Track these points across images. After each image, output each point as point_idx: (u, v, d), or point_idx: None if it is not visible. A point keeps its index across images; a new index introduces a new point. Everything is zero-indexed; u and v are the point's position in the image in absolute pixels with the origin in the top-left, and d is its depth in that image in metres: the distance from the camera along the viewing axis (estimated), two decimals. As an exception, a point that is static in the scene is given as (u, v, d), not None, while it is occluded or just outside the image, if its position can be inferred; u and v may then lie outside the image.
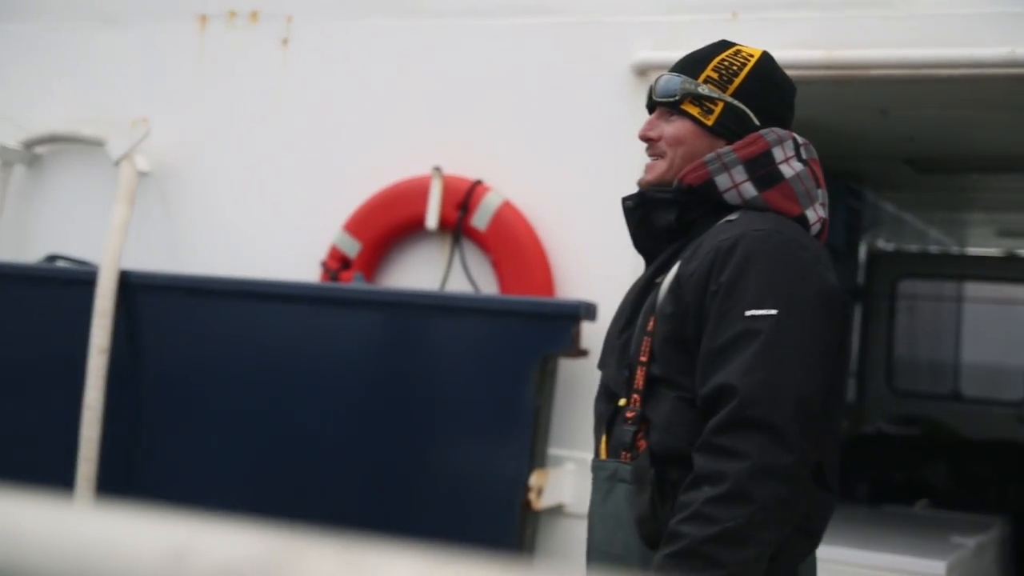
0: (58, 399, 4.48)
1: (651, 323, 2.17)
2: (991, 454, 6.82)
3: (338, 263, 4.51)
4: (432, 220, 4.38)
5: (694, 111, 2.27)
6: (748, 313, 2.04)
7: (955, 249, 10.44)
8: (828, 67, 3.89)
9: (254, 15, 4.81)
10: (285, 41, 4.76)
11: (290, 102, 4.74)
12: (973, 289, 8.20)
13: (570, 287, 4.26)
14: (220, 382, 4.35)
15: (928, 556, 4.13)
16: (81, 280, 4.49)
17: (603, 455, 2.24)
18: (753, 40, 4.13)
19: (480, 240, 4.36)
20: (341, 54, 4.68)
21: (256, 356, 4.32)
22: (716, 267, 2.09)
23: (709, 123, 2.26)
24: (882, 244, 8.12)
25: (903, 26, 3.89)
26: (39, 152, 5.16)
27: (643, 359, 2.16)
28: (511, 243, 4.28)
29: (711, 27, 4.12)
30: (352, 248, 4.49)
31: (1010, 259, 8.70)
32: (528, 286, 4.21)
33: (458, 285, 4.43)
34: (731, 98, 2.27)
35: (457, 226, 4.38)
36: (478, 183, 4.38)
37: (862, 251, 7.42)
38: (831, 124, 4.84)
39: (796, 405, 2.00)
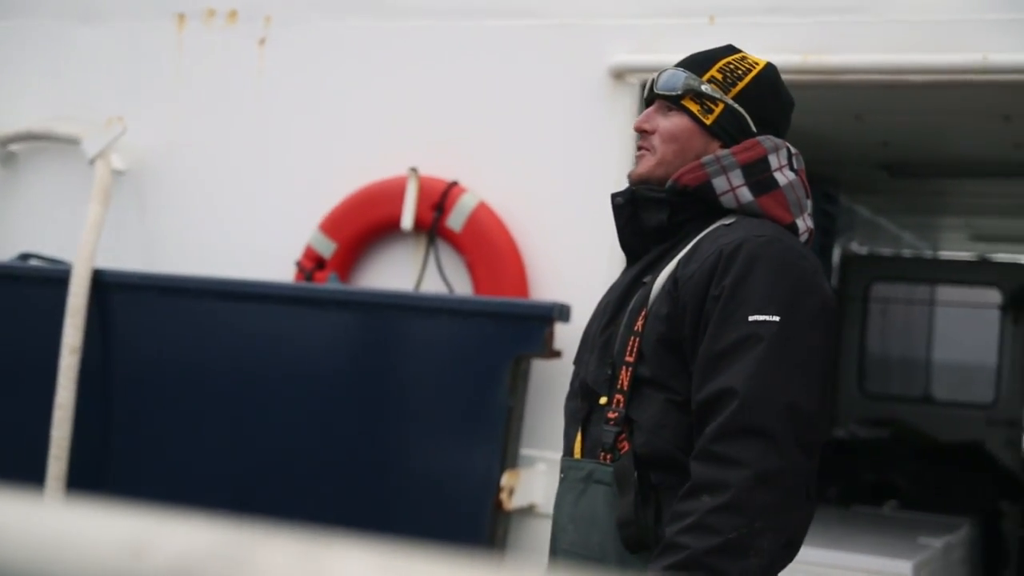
0: (30, 398, 4.46)
1: (638, 322, 2.14)
2: (959, 456, 6.88)
3: (313, 263, 4.51)
4: (407, 221, 4.39)
5: (694, 108, 2.25)
6: (752, 318, 2.02)
7: (928, 253, 10.53)
8: (803, 72, 3.92)
9: (232, 14, 4.80)
10: (263, 41, 4.76)
11: (267, 102, 4.74)
12: (945, 293, 8.27)
13: (544, 289, 4.27)
14: (193, 382, 4.35)
15: (895, 556, 4.17)
16: (54, 279, 4.48)
17: (577, 454, 2.20)
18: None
19: (455, 241, 4.38)
20: (318, 54, 4.68)
21: (230, 356, 4.32)
22: (719, 270, 2.07)
23: (708, 122, 2.25)
24: (856, 248, 8.18)
25: (877, 32, 3.93)
26: (13, 150, 5.13)
27: (629, 359, 2.13)
28: (486, 244, 4.29)
29: (688, 31, 4.15)
30: (327, 248, 4.49)
31: (981, 263, 8.78)
32: (502, 287, 4.22)
33: (433, 286, 4.44)
34: (732, 101, 2.26)
35: (432, 227, 4.39)
36: (454, 184, 4.39)
37: (836, 254, 7.47)
38: (806, 128, 4.87)
39: (794, 413, 1.99)
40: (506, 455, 3.97)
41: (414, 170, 4.40)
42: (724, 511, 1.94)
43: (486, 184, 4.38)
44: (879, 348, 8.05)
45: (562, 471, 2.25)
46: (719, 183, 2.19)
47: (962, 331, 8.04)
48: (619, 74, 4.20)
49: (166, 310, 4.40)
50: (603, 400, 2.16)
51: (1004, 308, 7.71)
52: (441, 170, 4.43)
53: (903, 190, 7.02)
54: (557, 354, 4.03)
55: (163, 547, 0.50)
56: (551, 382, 4.17)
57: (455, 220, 4.34)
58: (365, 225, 4.47)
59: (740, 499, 1.94)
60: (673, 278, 2.13)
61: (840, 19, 3.97)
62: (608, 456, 2.12)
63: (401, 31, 4.55)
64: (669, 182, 2.22)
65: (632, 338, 2.13)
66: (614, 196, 2.30)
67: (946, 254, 10.91)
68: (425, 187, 4.39)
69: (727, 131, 2.25)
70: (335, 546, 0.50)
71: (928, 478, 6.56)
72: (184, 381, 4.36)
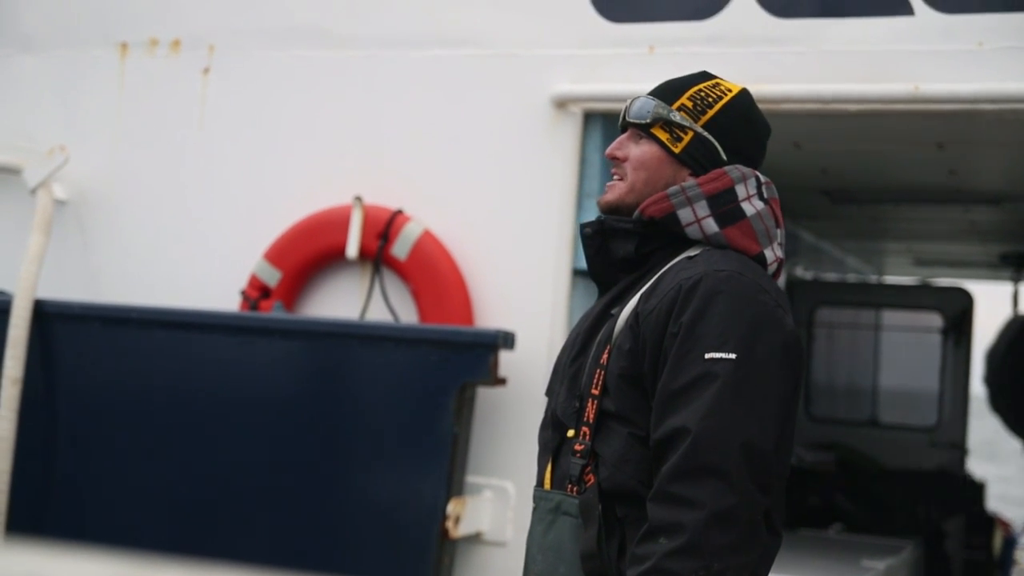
0: (-30, 430, 4.40)
1: (604, 355, 2.14)
2: (903, 480, 6.97)
3: (258, 292, 4.50)
4: (352, 249, 4.40)
5: (663, 136, 2.26)
6: (708, 356, 2.02)
7: (874, 278, 10.68)
8: (741, 101, 3.98)
9: (175, 44, 4.81)
10: (206, 70, 4.76)
11: (210, 131, 4.74)
12: (889, 317, 8.39)
13: (489, 316, 4.30)
14: (137, 412, 4.32)
15: (838, 579, 4.22)
16: (-5, 309, 4.43)
17: (547, 485, 2.21)
18: (667, 73, 4.24)
19: (400, 269, 4.39)
20: (262, 84, 4.69)
21: (174, 386, 4.29)
22: (677, 307, 2.07)
23: (676, 151, 2.25)
24: (800, 272, 8.29)
25: (813, 62, 4.00)
26: (-46, 179, 5.08)
27: (595, 392, 2.13)
28: (431, 273, 4.31)
29: (628, 61, 4.21)
30: (272, 277, 4.49)
31: (923, 288, 8.92)
32: (448, 315, 4.24)
33: (378, 314, 4.45)
34: (701, 129, 2.26)
35: (377, 255, 4.41)
36: (398, 213, 4.41)
37: (781, 280, 7.56)
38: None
39: (749, 452, 1.99)
40: (452, 483, 3.98)
41: (359, 199, 4.42)
42: (680, 554, 1.94)
43: (431, 212, 4.40)
44: (824, 372, 8.15)
45: (534, 501, 2.26)
46: (684, 214, 2.19)
47: (906, 355, 8.16)
48: (561, 103, 4.25)
49: (109, 340, 4.37)
50: (571, 432, 2.17)
51: (945, 332, 7.83)
52: (386, 199, 4.45)
53: (845, 216, 7.13)
54: (502, 381, 4.05)
55: (58, 580, 0.51)
56: (496, 410, 4.19)
57: (400, 248, 4.36)
58: (310, 254, 4.48)
59: (696, 541, 1.93)
60: (635, 313, 2.13)
61: (777, 49, 4.05)
62: (575, 488, 2.14)
63: (345, 61, 4.57)
64: (636, 213, 2.23)
65: (598, 371, 2.15)
66: (583, 226, 2.31)
67: (891, 279, 11.08)
68: (370, 216, 4.41)
69: (696, 160, 2.25)
70: (226, 576, 0.52)
71: (873, 502, 6.64)
72: (128, 412, 4.33)
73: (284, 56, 4.66)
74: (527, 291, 4.24)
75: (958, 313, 7.74)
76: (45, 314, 4.39)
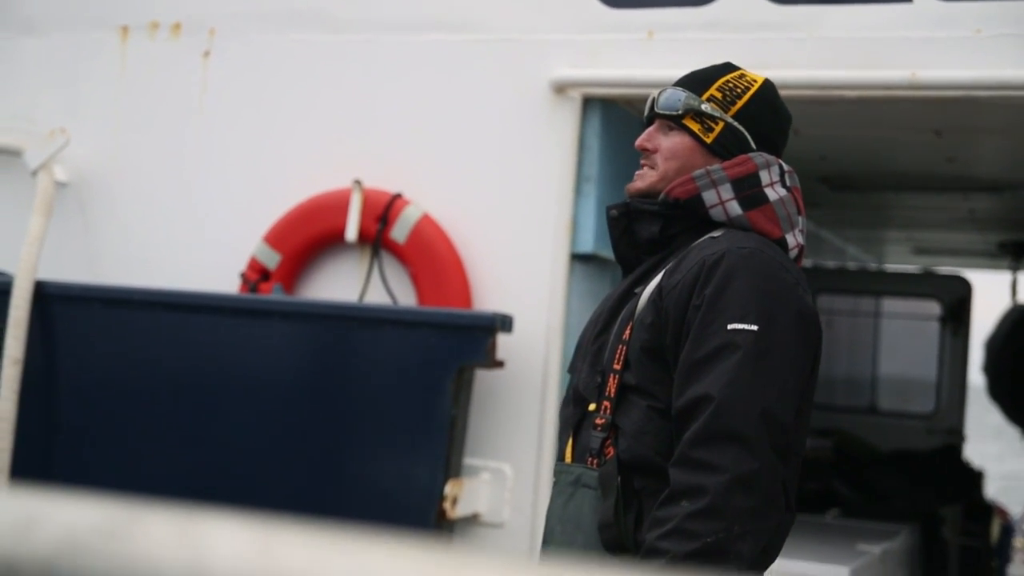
0: (-29, 410, 4.43)
1: (627, 331, 2.20)
2: (899, 465, 6.99)
3: (257, 274, 4.53)
4: (352, 232, 4.42)
5: (695, 127, 2.31)
6: (730, 327, 2.06)
7: (874, 266, 10.69)
8: (739, 87, 3.99)
9: (176, 27, 4.82)
10: (207, 53, 4.78)
11: (210, 114, 4.75)
12: (888, 305, 8.40)
13: (487, 299, 4.32)
14: (137, 393, 4.35)
15: (832, 562, 4.25)
16: (-4, 290, 4.46)
17: (568, 459, 2.26)
18: (666, 59, 4.26)
19: (399, 253, 4.41)
20: (263, 67, 4.71)
21: (174, 367, 4.32)
22: (700, 281, 2.12)
23: (708, 141, 2.30)
24: (802, 264, 8.29)
25: (810, 49, 4.02)
26: (-44, 161, 5.11)
27: (617, 367, 2.18)
28: (429, 256, 4.33)
29: (627, 46, 4.23)
30: (272, 260, 4.52)
31: (921, 276, 8.94)
32: (446, 298, 4.26)
33: (377, 297, 4.47)
34: (732, 119, 2.31)
35: (376, 239, 4.43)
36: (397, 196, 4.43)
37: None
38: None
39: (768, 419, 2.03)
40: (449, 464, 4.01)
41: (358, 182, 4.44)
42: (702, 516, 1.97)
43: (430, 196, 4.42)
44: (823, 359, 8.15)
45: (554, 475, 2.31)
46: (708, 196, 2.24)
47: (904, 343, 8.18)
48: (560, 88, 4.27)
49: (109, 322, 4.40)
50: (592, 407, 2.22)
51: (943, 320, 7.85)
52: (385, 182, 4.47)
53: (844, 203, 7.14)
54: (500, 364, 4.08)
55: (51, 522, 0.54)
56: (494, 392, 4.22)
57: (399, 232, 4.38)
58: (309, 237, 4.50)
59: (718, 504, 1.97)
60: (659, 288, 2.19)
61: (775, 35, 4.06)
62: (595, 461, 2.19)
63: (345, 45, 4.59)
64: (661, 195, 2.28)
65: (620, 346, 2.20)
66: (609, 209, 2.36)
67: (892, 267, 11.09)
68: (369, 199, 4.43)
69: (727, 149, 2.30)
70: (212, 520, 0.54)
71: (869, 487, 6.66)
72: (127, 393, 4.36)
73: (284, 40, 4.67)
74: (525, 275, 4.27)
75: (956, 301, 7.76)
76: (46, 295, 4.42)
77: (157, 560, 0.53)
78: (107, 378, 4.40)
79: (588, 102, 4.29)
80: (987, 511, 7.18)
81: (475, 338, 3.98)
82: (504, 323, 4.02)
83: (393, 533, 3.97)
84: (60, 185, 4.83)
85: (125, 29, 4.88)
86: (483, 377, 4.17)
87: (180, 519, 0.54)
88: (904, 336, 8.28)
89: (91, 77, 4.92)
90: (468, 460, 4.17)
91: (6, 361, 4.32)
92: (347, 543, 0.53)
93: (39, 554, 0.53)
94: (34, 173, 4.71)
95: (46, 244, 4.56)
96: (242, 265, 4.57)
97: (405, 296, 4.45)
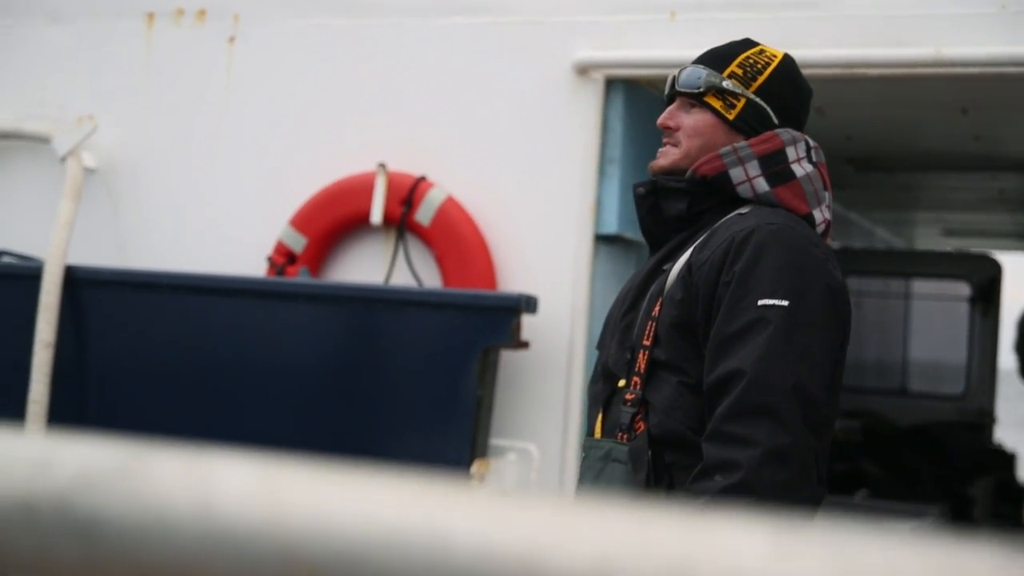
0: (3, 393, 4.50)
1: (656, 308, 2.20)
2: (927, 443, 6.96)
3: (284, 258, 4.56)
4: (377, 215, 4.45)
5: (717, 104, 2.30)
6: (761, 302, 2.07)
7: (903, 247, 10.63)
8: (762, 66, 3.98)
9: (201, 13, 4.85)
10: (232, 39, 4.81)
11: (236, 99, 4.79)
12: (917, 286, 8.35)
13: (512, 281, 4.34)
14: (166, 376, 4.39)
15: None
16: (27, 275, 4.52)
17: (598, 434, 2.27)
18: (689, 39, 4.25)
19: (424, 235, 4.44)
20: (287, 52, 4.74)
21: (202, 350, 4.36)
22: (730, 257, 2.12)
23: (731, 117, 2.29)
24: (828, 242, 8.25)
25: (834, 27, 4.00)
26: (-14, 149, 5.17)
27: (646, 342, 2.19)
28: (454, 238, 4.36)
29: (650, 27, 4.23)
30: (298, 243, 4.55)
31: (951, 256, 8.88)
32: (471, 280, 4.29)
33: (402, 279, 4.50)
34: (754, 95, 2.30)
35: (401, 221, 4.45)
36: (422, 179, 4.45)
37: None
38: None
39: (801, 394, 2.03)
40: (475, 445, 4.03)
41: (383, 165, 4.46)
42: (736, 490, 1.98)
43: (454, 179, 4.44)
44: (851, 341, 8.11)
45: (583, 450, 2.32)
46: (736, 173, 2.24)
47: (934, 324, 8.13)
48: (583, 69, 4.27)
49: (138, 305, 4.45)
50: (622, 383, 2.23)
51: (973, 301, 7.80)
52: (409, 165, 4.49)
53: (871, 184, 7.11)
54: (525, 345, 4.10)
55: (66, 463, 0.56)
56: (519, 373, 4.24)
57: (423, 214, 4.41)
58: (335, 220, 4.53)
59: (751, 478, 1.97)
60: (688, 264, 2.19)
61: (797, 14, 4.05)
62: (625, 436, 2.20)
63: (369, 29, 4.61)
64: (688, 172, 2.29)
65: (650, 323, 2.20)
66: (636, 186, 2.36)
67: (921, 249, 11.01)
68: (394, 182, 4.45)
69: (750, 125, 2.30)
70: (221, 457, 0.56)
71: (898, 467, 6.64)
72: (157, 375, 4.41)
73: (308, 24, 4.70)
74: (549, 256, 4.28)
75: (986, 281, 7.71)
76: (76, 280, 4.47)
77: (168, 497, 0.55)
78: (136, 361, 4.45)
79: (611, 83, 4.29)
80: (1019, 492, 7.14)
81: (500, 319, 4.00)
82: (529, 304, 4.03)
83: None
84: (88, 171, 4.88)
85: (151, 16, 4.92)
86: (508, 358, 4.19)
87: (191, 456, 0.57)
88: (934, 317, 8.23)
89: (117, 64, 4.96)
90: (494, 440, 4.19)
91: (37, 345, 4.38)
92: (356, 481, 0.54)
93: (55, 492, 0.55)
94: (63, 159, 4.76)
95: (75, 229, 4.62)
96: (269, 249, 4.61)
97: (430, 278, 4.47)
